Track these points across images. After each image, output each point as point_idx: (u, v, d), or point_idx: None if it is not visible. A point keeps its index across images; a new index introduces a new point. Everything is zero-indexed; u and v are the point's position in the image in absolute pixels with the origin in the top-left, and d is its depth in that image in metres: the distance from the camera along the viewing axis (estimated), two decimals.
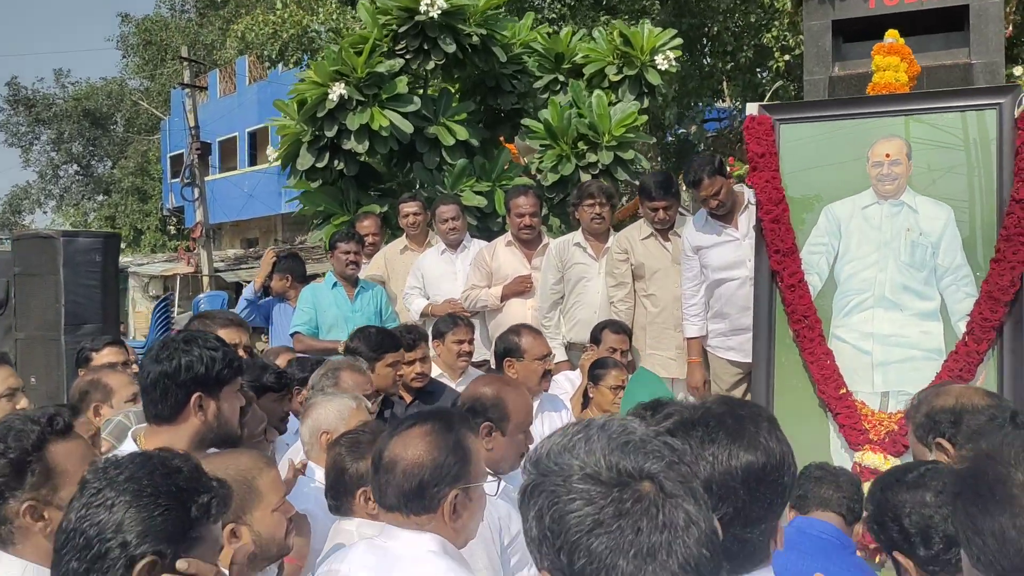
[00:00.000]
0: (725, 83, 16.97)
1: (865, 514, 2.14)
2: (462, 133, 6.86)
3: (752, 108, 4.68)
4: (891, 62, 4.30)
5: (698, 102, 16.45)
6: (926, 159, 4.31)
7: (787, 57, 14.24)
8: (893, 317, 4.31)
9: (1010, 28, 10.09)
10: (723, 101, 18.38)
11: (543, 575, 1.06)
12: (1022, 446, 1.38)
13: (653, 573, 1.00)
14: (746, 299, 4.63)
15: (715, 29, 15.06)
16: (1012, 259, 4.07)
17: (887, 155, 4.38)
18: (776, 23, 14.19)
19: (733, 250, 4.74)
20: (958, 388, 2.49)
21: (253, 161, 26.64)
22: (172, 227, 31.98)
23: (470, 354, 4.77)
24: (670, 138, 17.95)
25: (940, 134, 4.32)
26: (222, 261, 24.28)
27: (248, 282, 8.73)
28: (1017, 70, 9.57)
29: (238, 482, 2.08)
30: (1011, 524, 1.30)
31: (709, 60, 16.54)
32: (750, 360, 4.57)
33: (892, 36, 4.50)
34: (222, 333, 3.08)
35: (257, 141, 26.14)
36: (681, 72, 15.38)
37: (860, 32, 6.83)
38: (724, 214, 4.77)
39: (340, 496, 2.67)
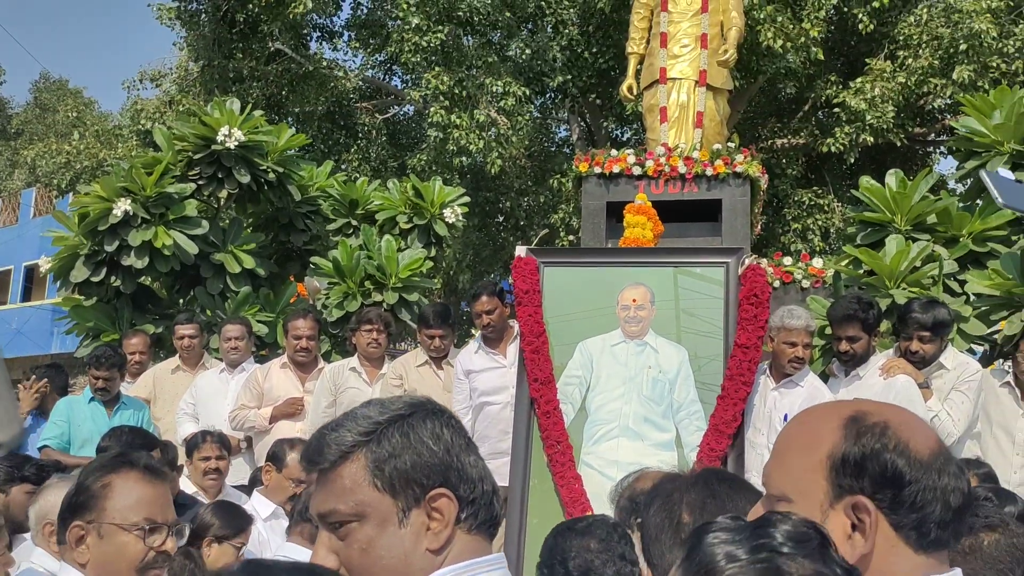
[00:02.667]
0: None
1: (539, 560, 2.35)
2: (249, 262, 6.94)
3: (520, 250, 5.13)
4: (639, 220, 4.89)
5: (490, 272, 17.29)
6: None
7: (571, 237, 15.42)
8: (635, 446, 4.69)
9: (759, 227, 11.55)
10: None
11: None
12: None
13: None
14: (507, 423, 4.89)
15: (509, 205, 16.14)
16: (734, 396, 4.59)
17: (634, 300, 4.90)
18: (563, 206, 15.42)
19: (500, 376, 5.05)
20: (654, 472, 2.78)
21: (27, 296, 25.00)
22: None
23: (217, 471, 4.62)
24: (466, 307, 18.65)
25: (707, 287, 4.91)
26: None
27: None
28: (763, 261, 10.87)
29: None
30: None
31: (503, 235, 17.60)
32: (506, 484, 4.77)
33: (641, 199, 5.13)
34: None
35: (34, 276, 24.62)
36: (476, 242, 16.28)
37: None
38: (494, 338, 5.09)
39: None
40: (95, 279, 6.54)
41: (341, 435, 1.22)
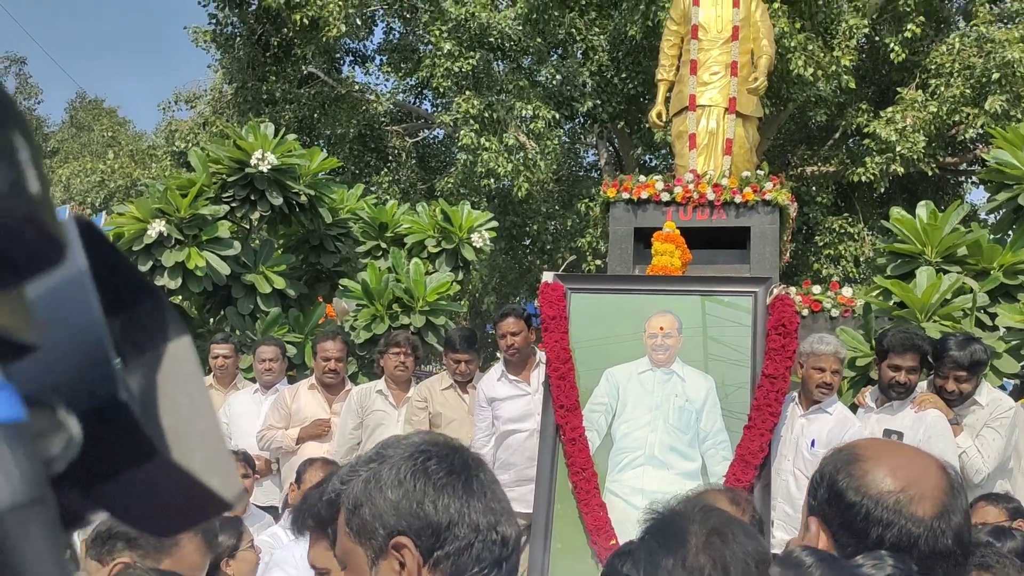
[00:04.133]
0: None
1: None
2: (279, 283, 7.01)
3: (547, 276, 5.16)
4: (667, 248, 4.90)
5: (516, 295, 17.32)
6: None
7: (599, 262, 15.42)
8: (661, 475, 4.67)
9: (787, 255, 11.51)
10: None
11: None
12: (702, 510, 1.69)
13: None
14: (533, 450, 4.89)
15: (536, 229, 16.18)
16: (761, 427, 4.56)
17: (661, 328, 4.90)
18: (590, 230, 15.44)
19: (524, 403, 5.04)
20: (713, 494, 2.77)
21: None
22: None
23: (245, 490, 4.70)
24: (490, 329, 18.69)
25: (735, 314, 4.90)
26: None
27: None
28: (792, 289, 10.82)
29: None
30: (680, 564, 1.58)
31: (529, 258, 17.64)
32: (531, 511, 4.77)
33: (670, 227, 5.13)
34: None
35: None
36: (502, 265, 16.33)
37: None
38: (517, 363, 5.10)
39: None
40: None
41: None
